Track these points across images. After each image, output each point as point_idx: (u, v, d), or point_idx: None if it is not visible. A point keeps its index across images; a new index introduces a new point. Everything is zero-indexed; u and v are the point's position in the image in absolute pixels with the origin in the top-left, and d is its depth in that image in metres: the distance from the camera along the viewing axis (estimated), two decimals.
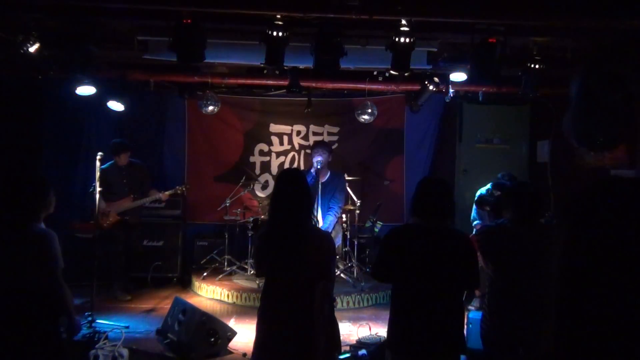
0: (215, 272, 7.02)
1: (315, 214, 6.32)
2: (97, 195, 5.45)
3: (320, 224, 6.40)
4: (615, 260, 1.06)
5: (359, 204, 6.89)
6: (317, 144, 6.98)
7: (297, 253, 2.82)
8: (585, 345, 1.06)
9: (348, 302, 6.32)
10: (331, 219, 6.54)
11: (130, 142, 6.78)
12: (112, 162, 6.42)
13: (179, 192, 6.69)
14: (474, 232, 5.83)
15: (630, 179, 1.19)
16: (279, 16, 4.60)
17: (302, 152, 8.16)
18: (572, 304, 1.09)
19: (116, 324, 5.15)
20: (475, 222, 6.06)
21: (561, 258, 1.14)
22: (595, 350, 1.05)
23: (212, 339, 4.61)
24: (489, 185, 6.01)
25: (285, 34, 4.66)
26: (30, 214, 3.01)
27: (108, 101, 6.38)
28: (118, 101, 6.39)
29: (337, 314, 6.27)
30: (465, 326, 4.23)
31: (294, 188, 2.90)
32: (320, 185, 6.63)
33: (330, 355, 2.96)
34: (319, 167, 6.44)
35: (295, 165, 8.17)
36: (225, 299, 6.50)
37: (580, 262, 1.10)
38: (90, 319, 4.93)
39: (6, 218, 2.97)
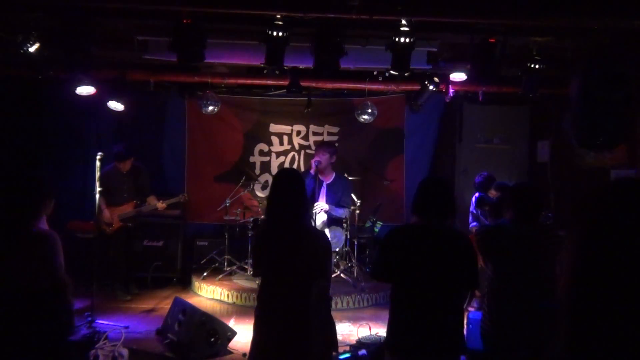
0: (215, 272, 7.02)
1: (316, 213, 6.32)
2: (97, 196, 5.45)
3: (320, 214, 6.37)
4: (630, 264, 1.05)
5: (359, 204, 6.89)
6: (319, 145, 6.97)
7: (293, 252, 2.84)
8: (598, 350, 1.05)
9: (348, 302, 6.32)
10: (340, 210, 6.52)
11: (130, 142, 6.78)
12: (113, 164, 6.41)
13: (181, 200, 6.68)
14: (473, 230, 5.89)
15: None
16: (279, 16, 4.60)
17: (302, 152, 8.16)
18: (585, 308, 1.08)
19: (116, 324, 5.15)
20: (472, 225, 6.09)
21: (573, 261, 1.14)
22: (609, 356, 1.04)
23: (212, 339, 4.61)
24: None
25: (285, 34, 4.66)
26: (31, 215, 3.01)
27: (108, 101, 6.38)
28: (118, 101, 6.39)
29: (337, 314, 6.26)
30: (465, 326, 4.24)
31: (290, 187, 2.92)
32: (325, 187, 6.62)
33: (327, 354, 2.96)
34: (316, 165, 6.42)
35: (295, 165, 8.17)
36: (225, 299, 6.50)
37: (593, 266, 1.09)
38: (90, 319, 4.93)
39: (7, 218, 2.97)
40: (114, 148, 6.49)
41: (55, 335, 3.02)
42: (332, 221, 6.61)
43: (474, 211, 6.13)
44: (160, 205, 6.48)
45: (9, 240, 2.94)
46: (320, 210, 6.39)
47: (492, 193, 6.03)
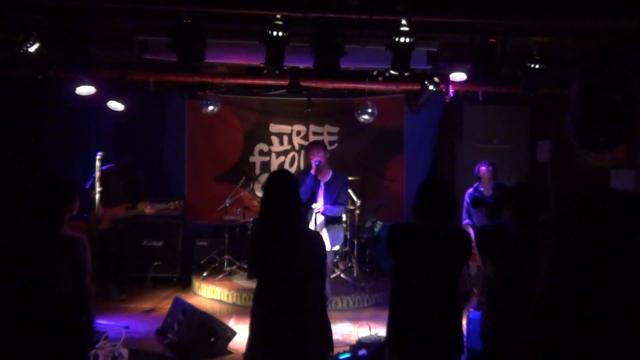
0: (215, 272, 7.03)
1: (315, 213, 6.30)
2: (97, 196, 5.44)
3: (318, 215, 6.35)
4: (604, 275, 1.07)
5: (359, 204, 6.88)
6: (311, 145, 6.93)
7: (288, 254, 2.83)
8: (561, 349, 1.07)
9: (348, 302, 6.32)
10: (336, 209, 6.51)
11: (130, 142, 6.79)
12: (113, 165, 6.43)
13: (171, 207, 6.66)
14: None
15: (626, 192, 1.20)
16: (279, 16, 4.59)
17: (302, 152, 8.16)
18: (554, 310, 1.11)
19: (116, 324, 5.15)
20: (465, 222, 6.08)
21: (548, 265, 1.16)
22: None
23: (212, 339, 4.62)
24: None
25: (285, 34, 4.66)
26: (59, 218, 3.00)
27: (108, 101, 6.38)
28: (118, 101, 6.40)
29: (337, 314, 6.26)
30: (465, 326, 4.24)
31: (283, 189, 2.90)
32: (323, 186, 6.60)
33: (322, 355, 2.96)
34: (317, 165, 6.40)
35: (295, 165, 8.17)
36: (225, 299, 6.50)
37: (567, 272, 1.11)
38: None
39: (37, 222, 2.96)
40: (124, 159, 6.59)
41: (82, 339, 3.02)
42: (329, 220, 6.59)
43: (473, 209, 6.11)
44: (149, 210, 6.47)
45: (37, 244, 2.92)
46: (318, 212, 6.38)
47: (482, 170, 6.00)
